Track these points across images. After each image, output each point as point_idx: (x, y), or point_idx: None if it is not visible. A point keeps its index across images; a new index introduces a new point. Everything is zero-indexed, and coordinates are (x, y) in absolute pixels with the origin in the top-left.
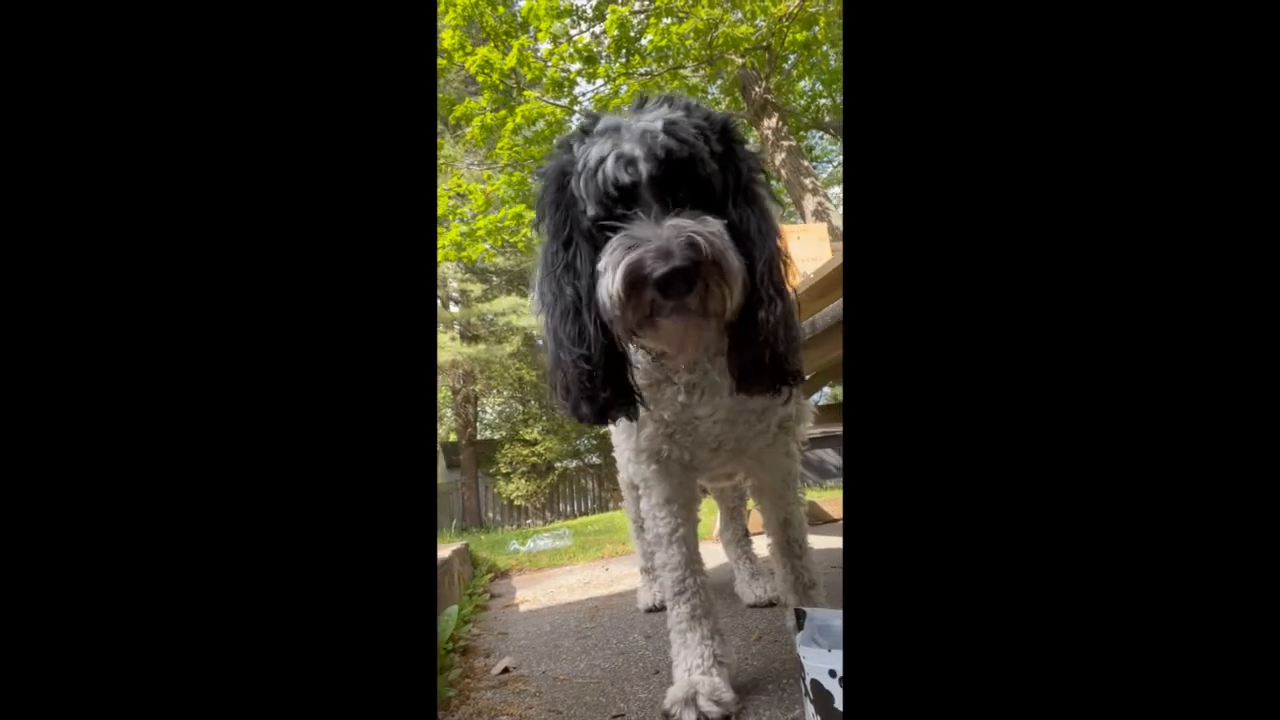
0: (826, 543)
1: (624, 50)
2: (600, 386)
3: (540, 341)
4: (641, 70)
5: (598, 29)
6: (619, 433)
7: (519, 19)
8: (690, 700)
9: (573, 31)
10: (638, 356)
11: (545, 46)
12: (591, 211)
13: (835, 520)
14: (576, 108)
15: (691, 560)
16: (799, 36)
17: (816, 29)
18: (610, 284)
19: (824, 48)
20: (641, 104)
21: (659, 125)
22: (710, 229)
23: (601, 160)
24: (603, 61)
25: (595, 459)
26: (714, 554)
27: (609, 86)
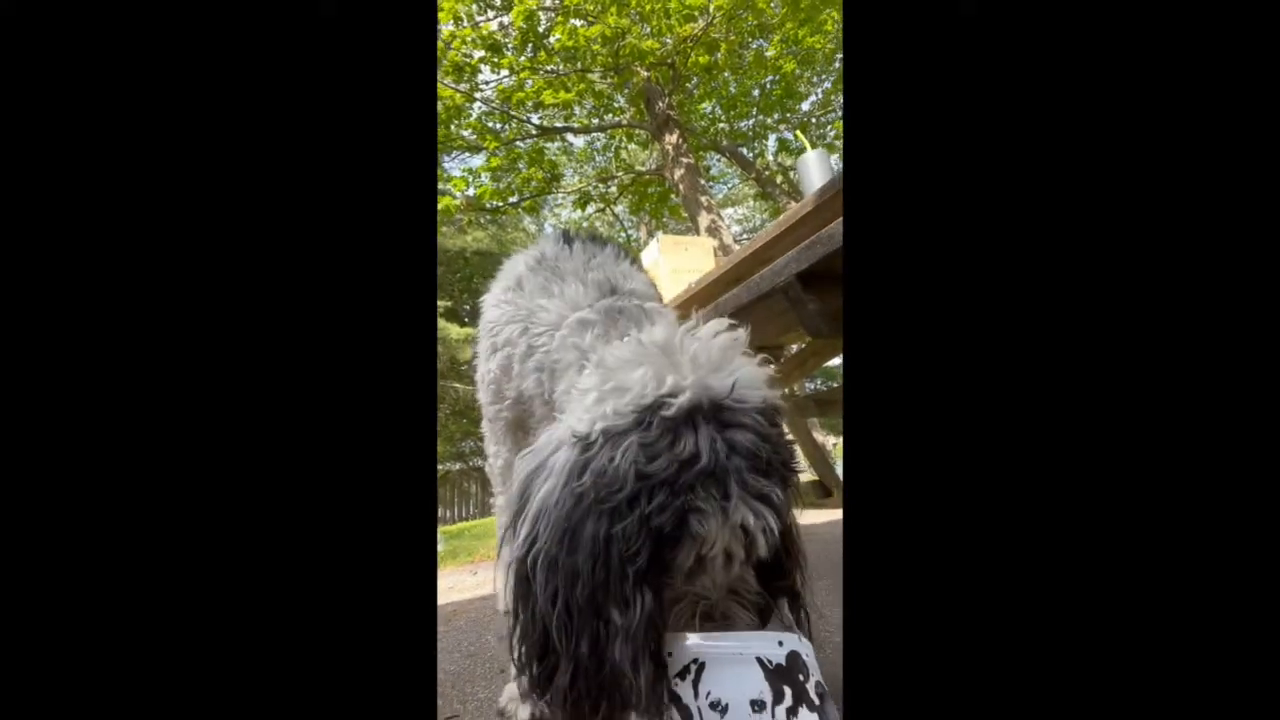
0: None
1: (530, 44)
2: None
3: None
4: (548, 68)
5: (505, 19)
6: (489, 422)
7: None
8: (526, 695)
9: (479, 18)
10: None
11: (448, 28)
12: (681, 563)
13: None
14: (478, 94)
15: None
16: (702, 59)
17: (718, 55)
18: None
19: (725, 74)
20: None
21: (774, 521)
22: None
23: (714, 539)
24: (508, 53)
25: (480, 461)
26: None
27: (514, 79)
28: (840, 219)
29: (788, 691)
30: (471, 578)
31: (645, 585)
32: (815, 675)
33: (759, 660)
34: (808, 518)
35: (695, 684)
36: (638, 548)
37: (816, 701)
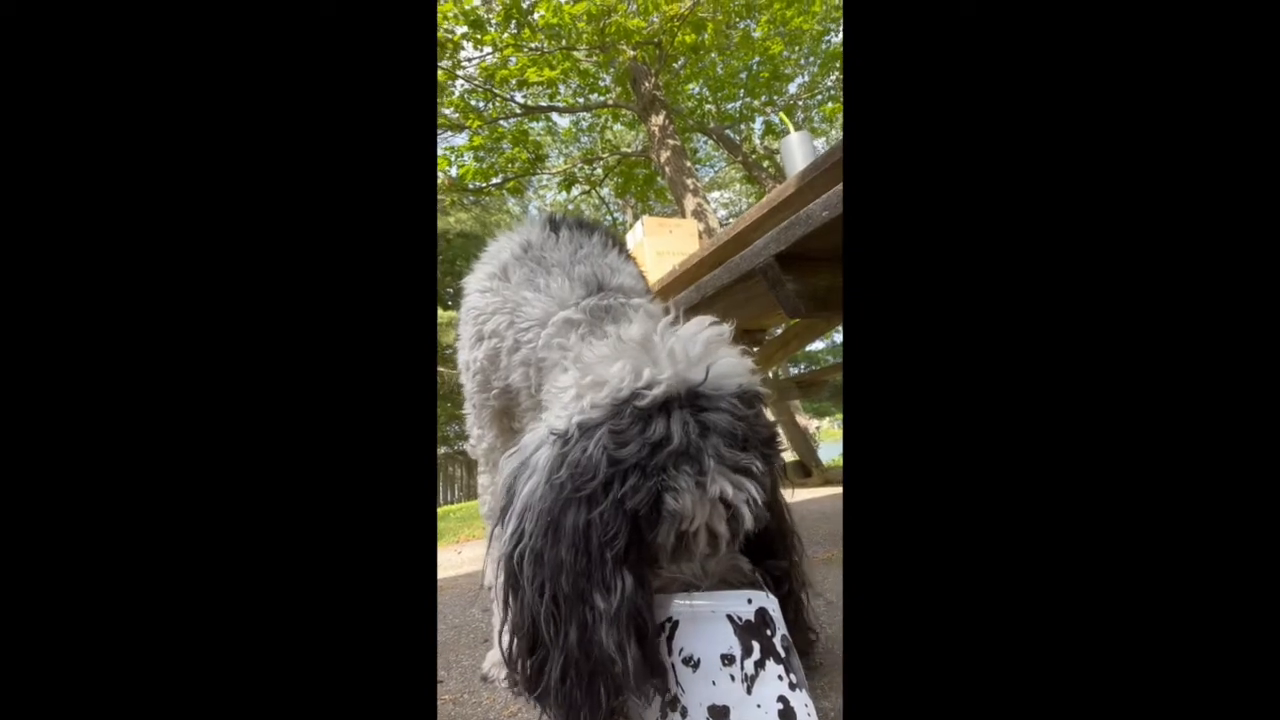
0: None
1: (514, 21)
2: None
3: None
4: (532, 45)
5: None
6: (475, 408)
7: None
8: (517, 692)
9: None
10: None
11: None
12: (662, 543)
13: None
14: (460, 72)
15: None
16: (688, 39)
17: (705, 34)
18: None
19: (711, 54)
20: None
21: (757, 493)
22: None
23: (692, 514)
24: (491, 29)
25: (462, 445)
26: None
27: (497, 56)
28: (815, 200)
29: (756, 646)
30: (456, 556)
31: (625, 569)
32: (781, 629)
33: (729, 617)
34: (787, 495)
35: (669, 641)
36: (615, 531)
37: (782, 654)
